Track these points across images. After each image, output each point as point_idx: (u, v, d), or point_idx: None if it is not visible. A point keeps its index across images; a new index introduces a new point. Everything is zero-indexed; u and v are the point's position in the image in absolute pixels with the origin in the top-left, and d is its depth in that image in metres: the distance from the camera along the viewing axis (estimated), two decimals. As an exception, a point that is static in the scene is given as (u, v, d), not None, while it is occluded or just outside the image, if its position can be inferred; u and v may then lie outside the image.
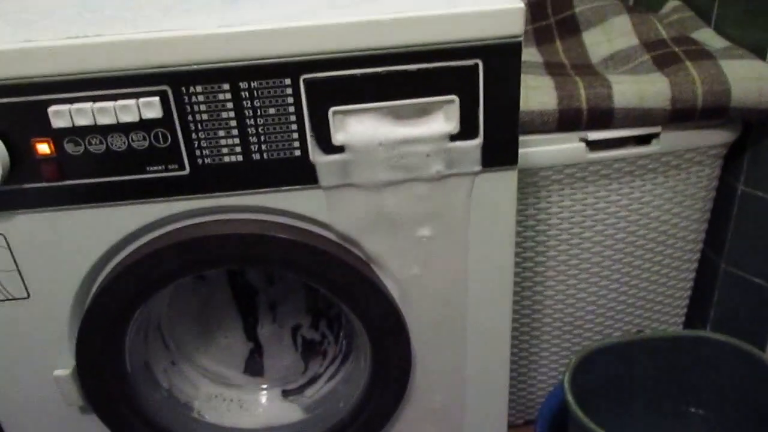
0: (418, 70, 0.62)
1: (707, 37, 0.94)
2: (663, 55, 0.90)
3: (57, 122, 0.62)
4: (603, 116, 0.85)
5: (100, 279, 0.71)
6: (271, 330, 0.95)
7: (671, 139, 0.88)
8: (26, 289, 0.71)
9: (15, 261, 0.69)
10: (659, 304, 1.04)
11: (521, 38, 0.61)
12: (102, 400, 0.76)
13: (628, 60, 0.94)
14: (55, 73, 0.60)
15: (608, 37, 0.99)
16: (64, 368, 0.75)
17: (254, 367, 0.93)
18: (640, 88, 0.84)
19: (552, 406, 0.96)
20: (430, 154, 0.66)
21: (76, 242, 0.68)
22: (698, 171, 0.92)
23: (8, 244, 0.68)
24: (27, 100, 0.61)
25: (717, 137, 0.89)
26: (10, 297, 0.71)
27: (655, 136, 0.88)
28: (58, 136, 0.62)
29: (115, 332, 0.73)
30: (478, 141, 0.66)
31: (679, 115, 0.84)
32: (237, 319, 0.94)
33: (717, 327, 1.07)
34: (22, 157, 0.63)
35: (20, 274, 0.70)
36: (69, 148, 0.63)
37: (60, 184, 0.65)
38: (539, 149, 0.86)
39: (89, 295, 0.72)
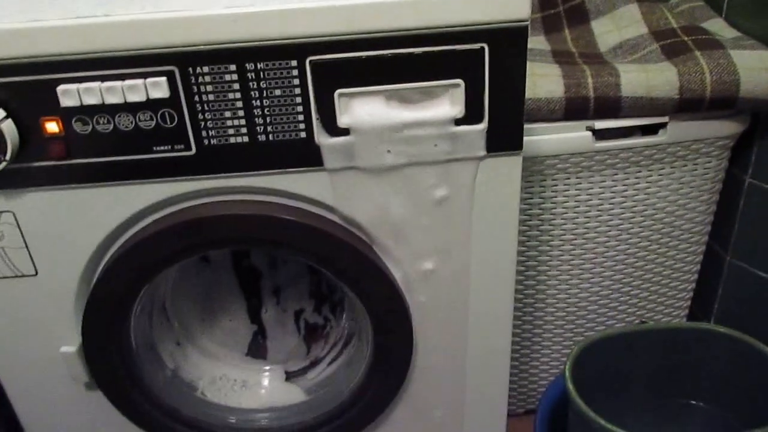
0: (424, 53, 0.62)
1: (717, 27, 0.93)
2: (672, 45, 0.89)
3: (65, 101, 0.62)
4: (610, 105, 0.85)
5: (106, 257, 0.72)
6: (275, 313, 0.95)
7: (678, 130, 0.88)
8: (34, 266, 0.72)
9: (23, 238, 0.70)
10: (663, 296, 1.04)
11: (527, 22, 0.61)
12: (107, 376, 0.77)
13: (636, 49, 0.93)
14: (63, 53, 0.61)
15: (617, 26, 0.99)
16: (71, 345, 0.76)
17: (257, 349, 0.94)
18: (648, 78, 0.83)
19: (552, 395, 0.96)
20: (434, 138, 0.66)
21: (84, 221, 0.69)
22: (705, 162, 0.92)
23: (17, 222, 0.69)
24: (36, 79, 0.62)
25: (725, 128, 0.89)
26: (19, 274, 0.72)
27: (663, 126, 0.87)
28: (66, 115, 0.63)
29: (121, 310, 0.74)
30: (483, 126, 0.66)
31: (687, 105, 0.84)
32: (241, 303, 0.95)
33: (721, 320, 1.07)
34: (31, 136, 0.64)
35: (28, 251, 0.71)
36: (77, 127, 0.64)
37: (68, 162, 0.66)
38: (545, 137, 0.86)
39: (96, 273, 0.73)
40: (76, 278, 0.73)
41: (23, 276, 0.72)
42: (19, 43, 0.60)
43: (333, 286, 0.94)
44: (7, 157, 0.62)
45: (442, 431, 0.88)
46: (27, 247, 0.71)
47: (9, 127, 0.62)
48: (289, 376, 0.92)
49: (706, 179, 0.93)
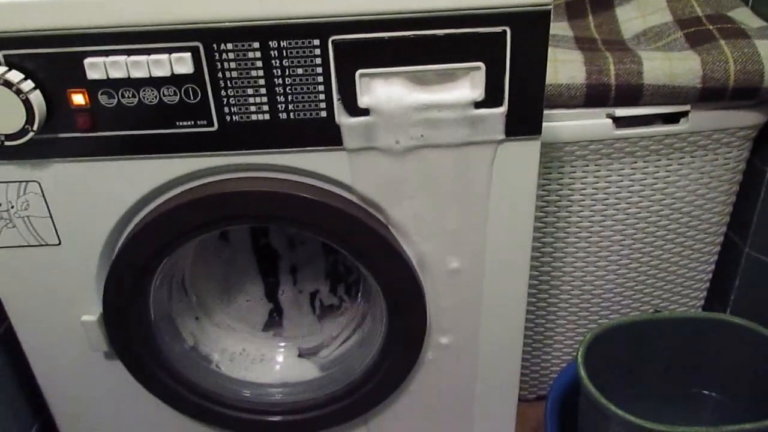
0: (446, 35, 0.62)
1: (743, 16, 0.92)
2: (696, 33, 0.88)
3: (92, 74, 0.63)
4: (632, 92, 0.84)
5: (128, 229, 0.74)
6: (291, 295, 0.97)
7: (700, 119, 0.87)
8: (58, 235, 0.73)
9: (48, 208, 0.72)
10: (679, 286, 1.03)
11: (550, 6, 0.61)
12: (126, 346, 0.79)
13: (660, 37, 0.92)
14: (91, 26, 0.62)
15: (642, 13, 0.98)
16: (92, 314, 0.78)
17: (273, 325, 0.95)
18: (671, 65, 0.83)
19: (564, 382, 0.97)
20: (454, 121, 0.67)
21: (107, 192, 0.71)
22: (726, 152, 0.91)
23: (42, 191, 0.71)
24: (64, 51, 0.63)
25: (747, 119, 0.88)
26: (43, 243, 0.74)
27: (684, 114, 0.87)
28: (92, 88, 0.64)
29: (141, 282, 0.75)
30: (502, 109, 0.66)
31: (710, 94, 0.84)
32: (258, 283, 0.96)
33: (737, 312, 1.06)
34: (57, 107, 0.65)
35: (53, 220, 0.72)
36: (103, 99, 0.65)
37: (93, 134, 0.67)
38: (565, 124, 0.86)
39: (118, 244, 0.74)
40: (99, 249, 0.74)
41: (47, 245, 0.74)
42: (48, 16, 0.61)
43: (349, 267, 0.95)
44: (35, 127, 0.64)
45: (452, 415, 0.89)
46: (51, 216, 0.72)
47: (37, 98, 0.63)
48: (303, 353, 0.93)
49: (727, 169, 0.93)
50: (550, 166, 0.90)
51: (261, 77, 0.64)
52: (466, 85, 0.65)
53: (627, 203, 0.93)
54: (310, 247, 0.95)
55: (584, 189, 0.92)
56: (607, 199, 0.93)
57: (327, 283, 0.96)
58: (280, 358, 0.92)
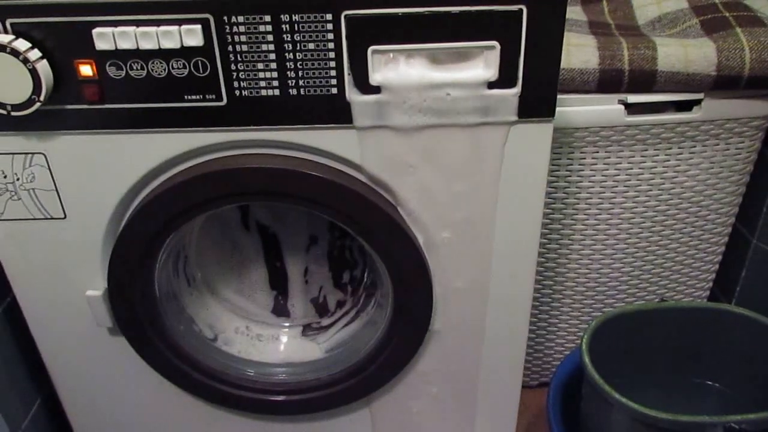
0: (461, 12, 0.61)
1: (761, 4, 0.91)
2: (712, 20, 0.87)
3: (100, 44, 0.62)
4: (645, 79, 0.83)
5: (135, 204, 0.73)
6: (300, 300, 0.96)
7: (713, 108, 0.86)
8: (63, 209, 0.73)
9: (54, 181, 0.71)
10: (685, 276, 1.03)
11: (568, -15, 0.60)
12: (130, 322, 0.79)
13: (675, 23, 0.91)
14: (101, -5, 0.61)
15: (657, -1, 0.97)
16: (96, 289, 0.78)
17: (277, 306, 0.95)
18: (686, 52, 0.82)
19: (567, 369, 0.97)
20: (466, 101, 0.66)
21: (114, 166, 0.70)
22: (738, 142, 0.90)
23: (48, 164, 0.70)
24: (72, 20, 0.62)
25: (761, 108, 0.87)
26: (48, 216, 0.73)
27: (697, 103, 0.86)
28: (100, 59, 0.63)
29: (147, 257, 0.74)
30: (515, 90, 0.66)
31: (724, 82, 0.83)
32: (267, 289, 0.95)
33: (742, 303, 1.06)
34: (65, 78, 0.64)
35: (58, 193, 0.72)
36: (111, 71, 0.64)
37: (100, 107, 0.66)
38: (577, 109, 0.85)
39: (124, 219, 0.74)
40: (104, 223, 0.73)
41: (52, 219, 0.73)
42: (57, -16, 0.60)
43: (355, 257, 0.94)
44: (41, 98, 0.63)
45: (455, 399, 0.89)
46: (57, 189, 0.72)
47: (44, 68, 0.62)
48: (307, 333, 0.93)
49: (738, 159, 0.92)
50: (560, 151, 0.89)
51: (272, 51, 0.63)
52: (480, 65, 0.64)
53: (636, 191, 0.93)
54: (323, 249, 0.94)
55: (594, 176, 0.91)
56: (616, 186, 0.92)
57: (330, 275, 0.95)
58: (284, 338, 0.92)
